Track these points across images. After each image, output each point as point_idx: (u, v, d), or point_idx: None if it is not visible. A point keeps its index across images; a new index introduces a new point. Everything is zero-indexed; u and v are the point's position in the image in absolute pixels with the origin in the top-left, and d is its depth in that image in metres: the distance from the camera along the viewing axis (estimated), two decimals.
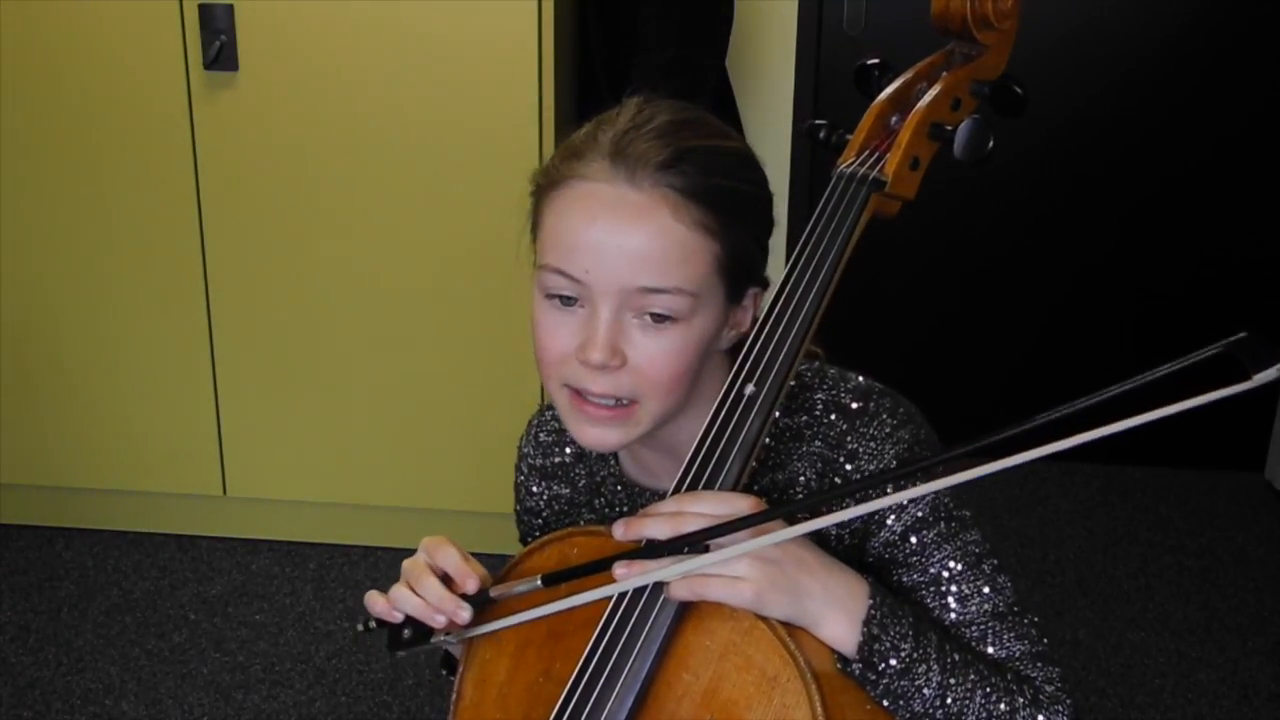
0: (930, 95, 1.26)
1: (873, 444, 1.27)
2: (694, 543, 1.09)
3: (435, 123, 3.05)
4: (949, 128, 1.24)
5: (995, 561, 1.27)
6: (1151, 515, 3.68)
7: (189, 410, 3.35)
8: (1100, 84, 3.68)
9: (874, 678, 1.14)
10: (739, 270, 1.25)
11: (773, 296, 1.22)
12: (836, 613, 1.13)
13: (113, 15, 3.04)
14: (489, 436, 3.25)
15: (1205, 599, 3.27)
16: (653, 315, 1.20)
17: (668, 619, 1.13)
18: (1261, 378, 0.90)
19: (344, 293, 3.21)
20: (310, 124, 3.08)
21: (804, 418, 1.31)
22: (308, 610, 3.21)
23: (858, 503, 1.10)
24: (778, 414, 1.28)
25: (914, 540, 1.25)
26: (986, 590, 1.25)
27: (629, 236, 1.19)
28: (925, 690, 1.15)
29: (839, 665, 1.14)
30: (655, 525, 1.12)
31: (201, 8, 2.99)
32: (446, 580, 1.24)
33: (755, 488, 1.30)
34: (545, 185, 1.26)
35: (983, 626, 1.24)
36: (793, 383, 1.29)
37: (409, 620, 1.24)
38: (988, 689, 1.18)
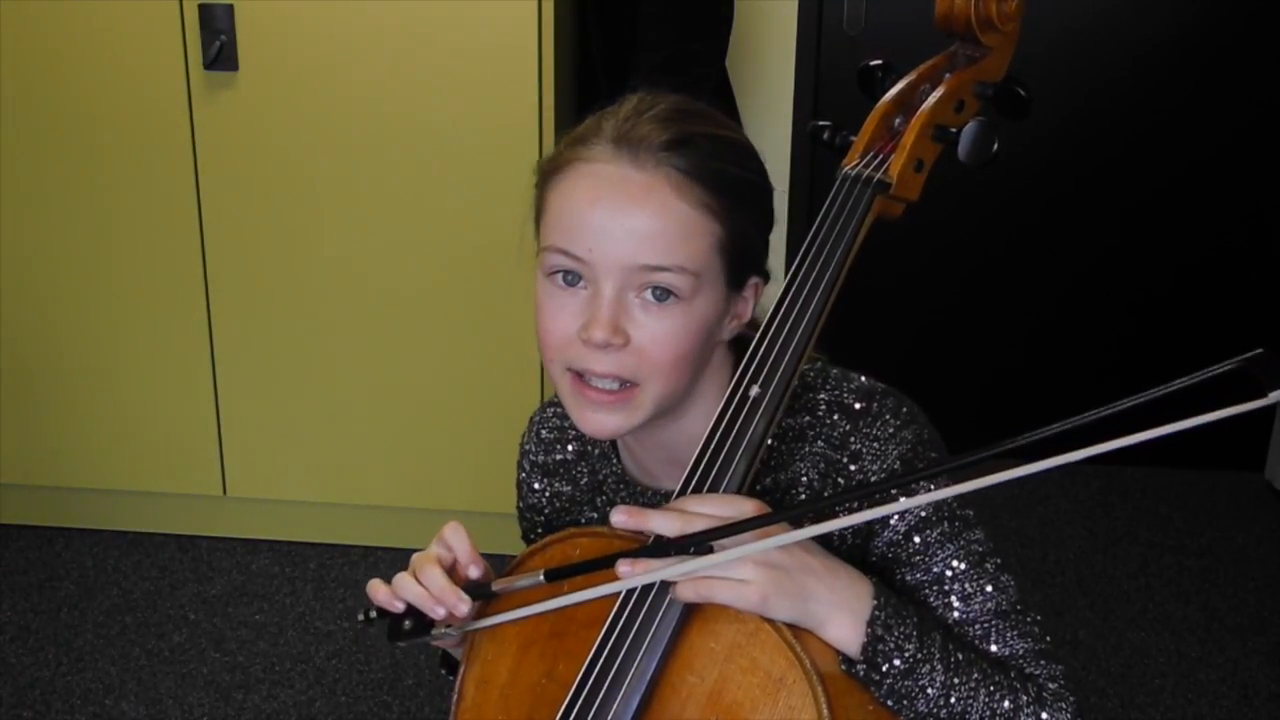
0: (934, 97, 1.26)
1: (876, 444, 1.27)
2: (699, 543, 1.09)
3: (435, 123, 3.05)
4: (953, 130, 1.24)
5: (998, 560, 1.27)
6: (1151, 515, 3.68)
7: (189, 410, 3.34)
8: (1098, 84, 3.68)
9: (878, 678, 1.14)
10: (740, 255, 1.26)
11: (778, 298, 1.22)
12: (841, 614, 1.14)
13: (113, 15, 3.03)
14: (489, 436, 3.25)
15: (1205, 599, 3.27)
16: (655, 294, 1.22)
17: (673, 620, 1.14)
18: (1278, 395, 0.90)
19: (344, 293, 3.20)
20: (310, 124, 3.08)
21: (807, 418, 1.31)
22: (308, 610, 3.20)
23: (863, 509, 1.10)
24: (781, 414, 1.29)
25: (917, 540, 1.26)
26: (989, 589, 1.26)
27: (631, 215, 1.20)
28: (929, 690, 1.16)
29: (843, 666, 1.14)
30: (661, 519, 1.12)
31: (201, 8, 2.99)
32: (452, 575, 1.24)
33: (758, 487, 1.30)
34: (549, 170, 1.28)
35: (986, 625, 1.25)
36: (796, 383, 1.29)
37: (410, 611, 1.24)
38: (991, 688, 1.19)
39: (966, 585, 1.25)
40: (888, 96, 1.30)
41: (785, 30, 3.70)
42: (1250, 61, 3.65)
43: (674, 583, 1.12)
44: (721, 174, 1.23)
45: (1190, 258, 3.80)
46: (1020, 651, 1.25)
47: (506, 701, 1.25)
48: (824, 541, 1.26)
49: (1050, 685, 1.23)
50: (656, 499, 1.37)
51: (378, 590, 1.26)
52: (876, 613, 1.14)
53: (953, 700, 1.17)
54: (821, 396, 1.31)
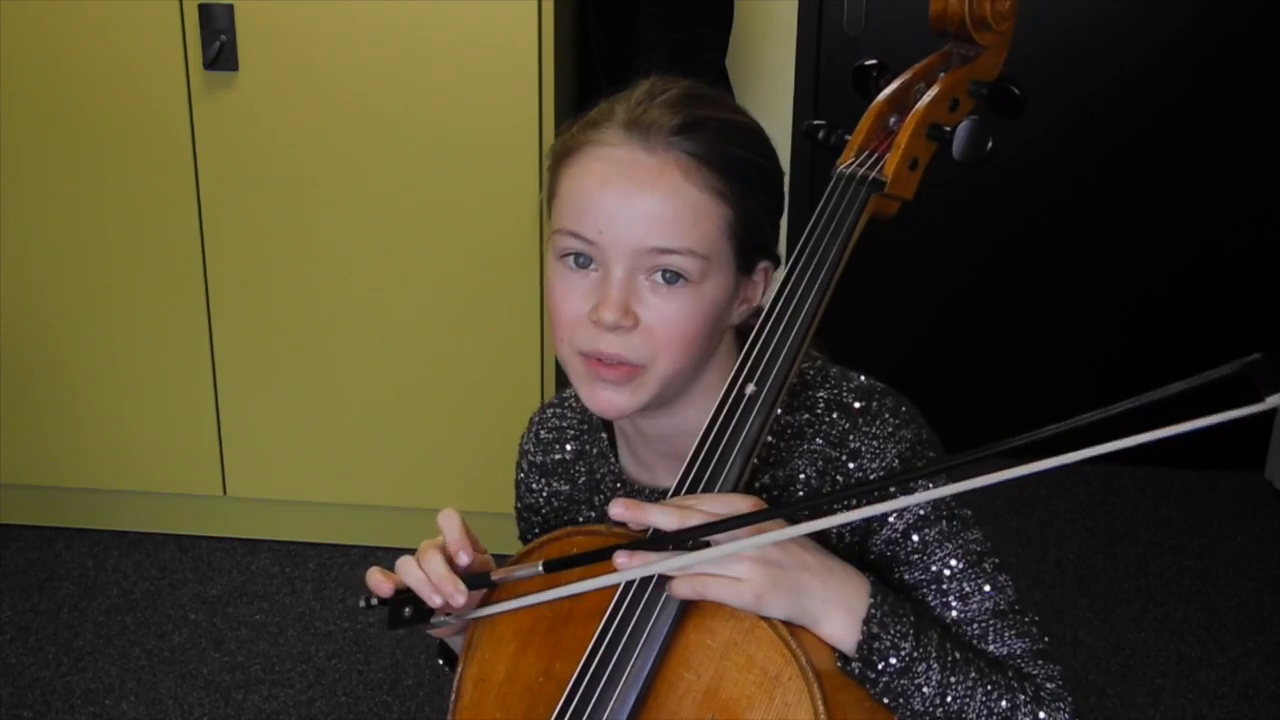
0: (929, 96, 1.26)
1: (875, 443, 1.27)
2: (696, 538, 1.09)
3: (435, 123, 3.05)
4: (948, 129, 1.24)
5: (996, 560, 1.27)
6: (1151, 515, 3.68)
7: (189, 410, 3.35)
8: (1097, 84, 3.68)
9: (874, 676, 1.14)
10: (749, 239, 1.27)
11: (773, 297, 1.22)
12: (837, 611, 1.13)
13: (113, 15, 3.03)
14: (489, 436, 3.25)
15: (1205, 599, 3.27)
16: (665, 277, 1.23)
17: (669, 617, 1.14)
18: (1275, 400, 0.90)
19: (344, 292, 3.21)
20: (310, 124, 3.08)
21: (805, 415, 1.31)
22: (308, 610, 3.21)
23: (860, 506, 1.10)
24: (779, 411, 1.29)
25: (915, 538, 1.26)
26: (987, 588, 1.25)
27: (641, 198, 1.22)
28: (925, 689, 1.16)
29: (839, 663, 1.14)
30: (659, 513, 1.12)
31: (201, 8, 2.99)
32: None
33: (756, 484, 1.31)
34: (562, 153, 1.29)
35: (984, 624, 1.25)
36: (794, 381, 1.29)
37: (409, 599, 1.24)
38: (988, 687, 1.19)
39: (964, 584, 1.25)
40: (882, 96, 1.30)
41: (785, 30, 3.70)
42: (1249, 61, 3.65)
43: (670, 580, 1.12)
44: (731, 157, 1.24)
45: (1189, 258, 3.80)
46: (1018, 651, 1.25)
47: (504, 700, 1.26)
48: (822, 539, 1.26)
49: (1048, 685, 1.23)
50: (654, 497, 1.37)
51: (375, 576, 1.26)
52: (873, 610, 1.14)
53: (949, 699, 1.16)
54: (821, 394, 1.32)
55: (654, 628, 1.14)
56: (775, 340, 1.20)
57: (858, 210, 1.24)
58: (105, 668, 2.97)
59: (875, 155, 1.27)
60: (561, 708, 1.17)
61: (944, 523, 1.26)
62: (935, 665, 1.16)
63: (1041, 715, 1.21)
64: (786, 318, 1.21)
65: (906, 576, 1.26)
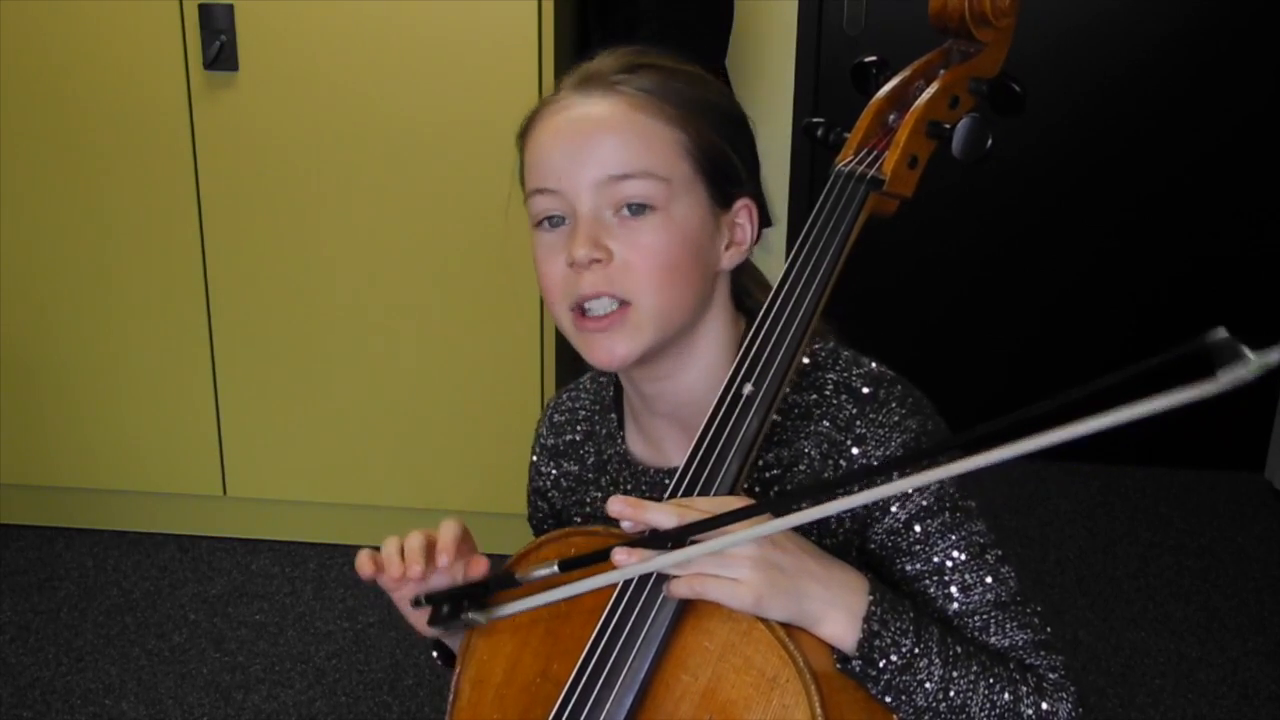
0: (928, 93, 1.26)
1: (881, 430, 1.27)
2: (694, 536, 1.08)
3: (435, 123, 3.05)
4: (947, 126, 1.24)
5: (999, 552, 1.27)
6: (1151, 515, 3.68)
7: (189, 410, 3.35)
8: (1098, 81, 3.68)
9: (875, 674, 1.14)
10: (712, 165, 1.28)
11: (770, 295, 1.22)
12: (836, 611, 1.13)
13: (113, 15, 3.04)
14: (489, 436, 3.25)
15: (1205, 599, 3.26)
16: (631, 210, 1.24)
17: (666, 619, 1.13)
18: (1228, 378, 0.88)
19: (344, 293, 3.21)
20: (310, 124, 3.08)
21: (814, 396, 1.31)
22: (308, 610, 3.21)
23: (851, 494, 1.08)
24: (788, 390, 1.28)
25: (918, 529, 1.25)
26: (989, 580, 1.25)
27: (592, 136, 1.25)
28: (927, 685, 1.15)
29: (839, 664, 1.14)
30: (658, 512, 1.11)
31: (201, 8, 2.99)
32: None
33: (759, 463, 1.30)
34: (523, 130, 1.32)
35: (985, 616, 1.25)
36: (806, 360, 1.31)
37: (446, 598, 1.28)
38: (991, 680, 1.18)
39: (966, 576, 1.25)
40: (881, 93, 1.29)
41: (785, 30, 3.71)
42: (1250, 60, 3.65)
43: (668, 580, 1.11)
44: (676, 91, 1.27)
45: (1193, 254, 3.80)
46: (1020, 643, 1.24)
47: (502, 700, 1.25)
48: (821, 527, 1.26)
49: (1050, 676, 1.23)
50: (659, 478, 1.38)
51: (360, 557, 1.34)
52: (872, 608, 1.13)
53: (952, 694, 1.16)
54: (830, 376, 1.31)
55: (651, 629, 1.13)
56: (774, 339, 1.19)
57: (856, 208, 1.23)
58: (105, 668, 2.97)
59: (874, 153, 1.26)
60: (558, 709, 1.16)
61: (946, 514, 1.25)
62: (937, 660, 1.16)
63: (1044, 706, 1.20)
64: (785, 315, 1.20)
65: (908, 567, 1.26)
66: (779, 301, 1.21)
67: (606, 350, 1.26)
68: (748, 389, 1.18)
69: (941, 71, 1.28)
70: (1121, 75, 3.68)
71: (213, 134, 3.11)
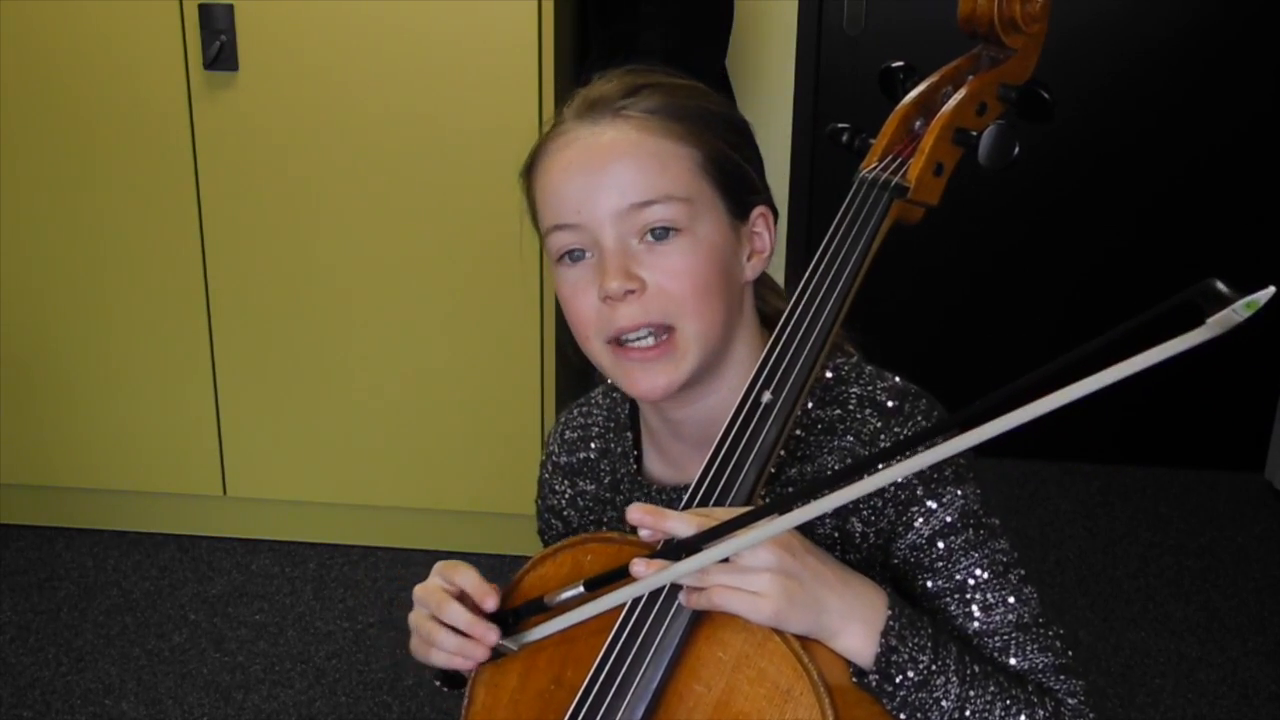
0: (955, 100, 1.24)
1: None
2: (711, 541, 1.07)
3: (435, 123, 3.05)
4: (974, 133, 1.22)
5: (1022, 572, 1.25)
6: (1151, 515, 3.68)
7: (189, 410, 3.34)
8: (1100, 82, 3.68)
9: (891, 689, 1.12)
10: (727, 177, 1.27)
11: (791, 302, 1.20)
12: (854, 624, 1.11)
13: (113, 15, 3.03)
14: (490, 437, 3.25)
15: (1205, 599, 3.27)
16: (655, 235, 1.23)
17: (680, 628, 1.12)
18: (1216, 323, 0.87)
19: (344, 293, 3.20)
20: (310, 124, 3.08)
21: (837, 411, 1.29)
22: (308, 610, 3.20)
23: (854, 482, 1.06)
24: (810, 405, 1.28)
25: (941, 545, 1.24)
26: (1011, 600, 1.23)
27: (605, 166, 1.23)
28: (944, 702, 1.14)
29: (855, 678, 1.12)
30: (677, 520, 1.10)
31: (201, 8, 2.99)
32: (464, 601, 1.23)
33: (783, 478, 1.29)
34: (528, 168, 1.31)
35: (1005, 637, 1.23)
36: (815, 385, 1.29)
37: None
38: (1007, 701, 1.17)
39: (988, 595, 1.23)
40: (908, 98, 1.28)
41: (785, 30, 3.71)
42: (1252, 60, 3.65)
43: (685, 591, 1.10)
44: (680, 107, 1.26)
45: (1197, 256, 3.80)
46: (1040, 665, 1.22)
47: (516, 706, 1.25)
48: (846, 541, 1.26)
49: (1070, 700, 1.21)
50: (675, 496, 1.36)
51: (429, 653, 1.25)
52: (891, 623, 1.12)
53: (967, 713, 1.15)
54: (854, 390, 1.30)
55: (665, 638, 1.12)
56: (794, 347, 1.18)
57: (880, 216, 1.21)
58: (105, 668, 2.97)
59: (899, 160, 1.24)
60: (570, 716, 1.16)
61: (970, 531, 1.24)
62: (954, 678, 1.14)
63: None
64: (806, 324, 1.19)
65: (929, 584, 1.24)
66: (799, 309, 1.19)
67: (650, 382, 1.25)
68: (766, 397, 1.16)
69: (970, 77, 1.27)
70: (1124, 76, 3.69)
71: (213, 134, 3.11)
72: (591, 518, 1.47)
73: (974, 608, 1.23)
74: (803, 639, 1.10)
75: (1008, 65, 1.27)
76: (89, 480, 3.45)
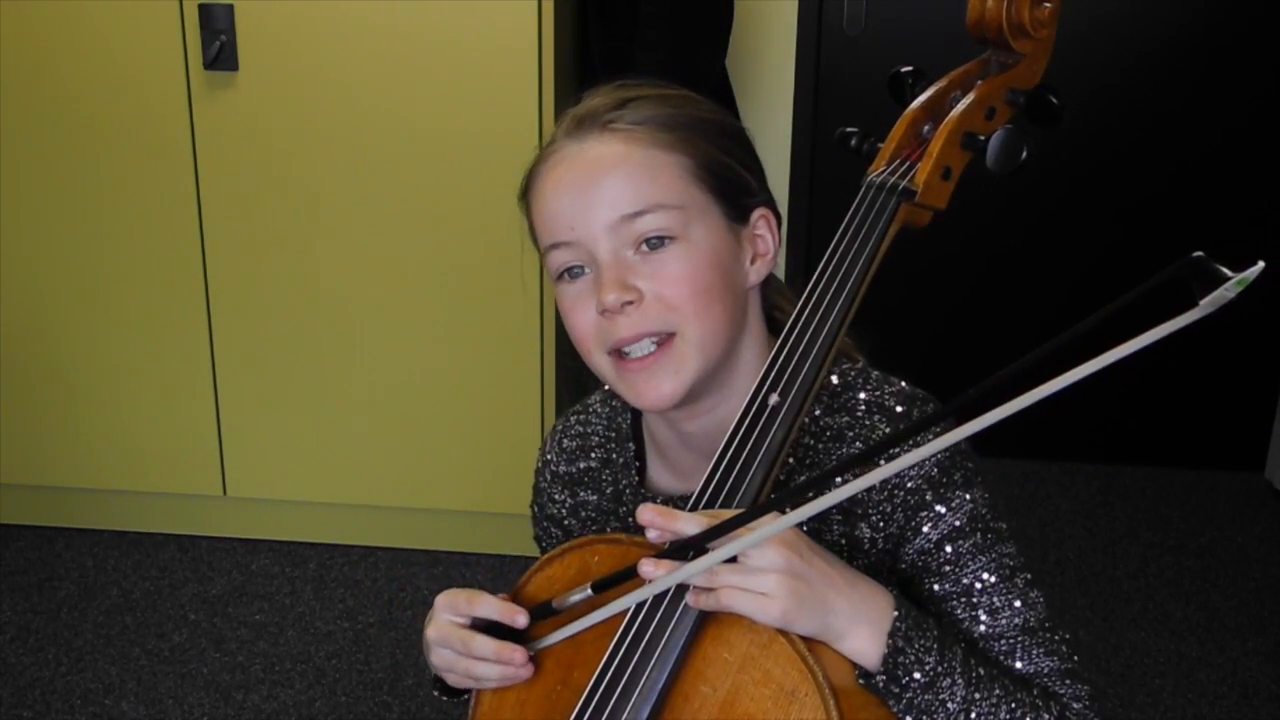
0: (964, 104, 1.24)
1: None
2: (718, 539, 1.07)
3: (435, 123, 3.05)
4: (982, 137, 1.22)
5: (1028, 576, 1.26)
6: (1151, 515, 3.69)
7: (189, 410, 3.34)
8: (1103, 83, 3.69)
9: (898, 691, 1.12)
10: (722, 182, 1.27)
11: (798, 305, 1.20)
12: (861, 626, 1.11)
13: (113, 15, 3.03)
14: (489, 437, 3.25)
15: (1205, 599, 3.27)
16: (648, 242, 1.23)
17: (686, 629, 1.12)
18: (1209, 303, 0.88)
19: (344, 293, 3.20)
20: (310, 124, 3.08)
21: (846, 418, 1.29)
22: (308, 610, 3.20)
23: (858, 477, 1.06)
24: (818, 412, 1.28)
25: (949, 549, 1.24)
26: (1018, 604, 1.24)
27: (594, 180, 1.23)
28: (950, 704, 1.14)
29: (861, 679, 1.12)
30: (688, 521, 1.10)
31: (201, 8, 2.99)
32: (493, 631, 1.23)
33: (791, 485, 1.28)
34: (525, 190, 1.32)
35: (1012, 641, 1.23)
36: (823, 388, 1.29)
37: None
38: (1013, 704, 1.17)
39: (995, 599, 1.23)
40: (917, 103, 1.28)
41: (785, 30, 3.70)
42: (1253, 61, 3.65)
43: (693, 591, 1.10)
44: (669, 116, 1.26)
45: (1198, 249, 3.80)
46: (1046, 669, 1.23)
47: (522, 707, 1.25)
48: (854, 547, 1.26)
49: (1075, 705, 1.22)
50: (674, 507, 1.34)
51: (475, 684, 1.27)
52: (897, 624, 1.12)
53: (973, 715, 1.15)
54: (862, 396, 1.30)
55: (670, 639, 1.12)
56: (801, 350, 1.18)
57: (887, 220, 1.21)
58: (105, 668, 2.97)
59: (907, 164, 1.24)
60: (575, 717, 1.16)
61: (979, 535, 1.24)
62: (960, 680, 1.14)
63: None
64: (813, 327, 1.18)
65: (936, 588, 1.25)
66: (806, 312, 1.19)
67: (654, 391, 1.24)
68: (774, 399, 1.16)
69: (979, 82, 1.27)
70: (1124, 78, 3.69)
71: (213, 134, 3.10)
72: (594, 528, 1.46)
73: (981, 612, 1.24)
74: (808, 640, 1.10)
75: (1016, 70, 1.27)
76: (89, 480, 3.45)
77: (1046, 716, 1.19)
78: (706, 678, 1.12)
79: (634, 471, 1.42)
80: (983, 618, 1.24)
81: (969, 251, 3.85)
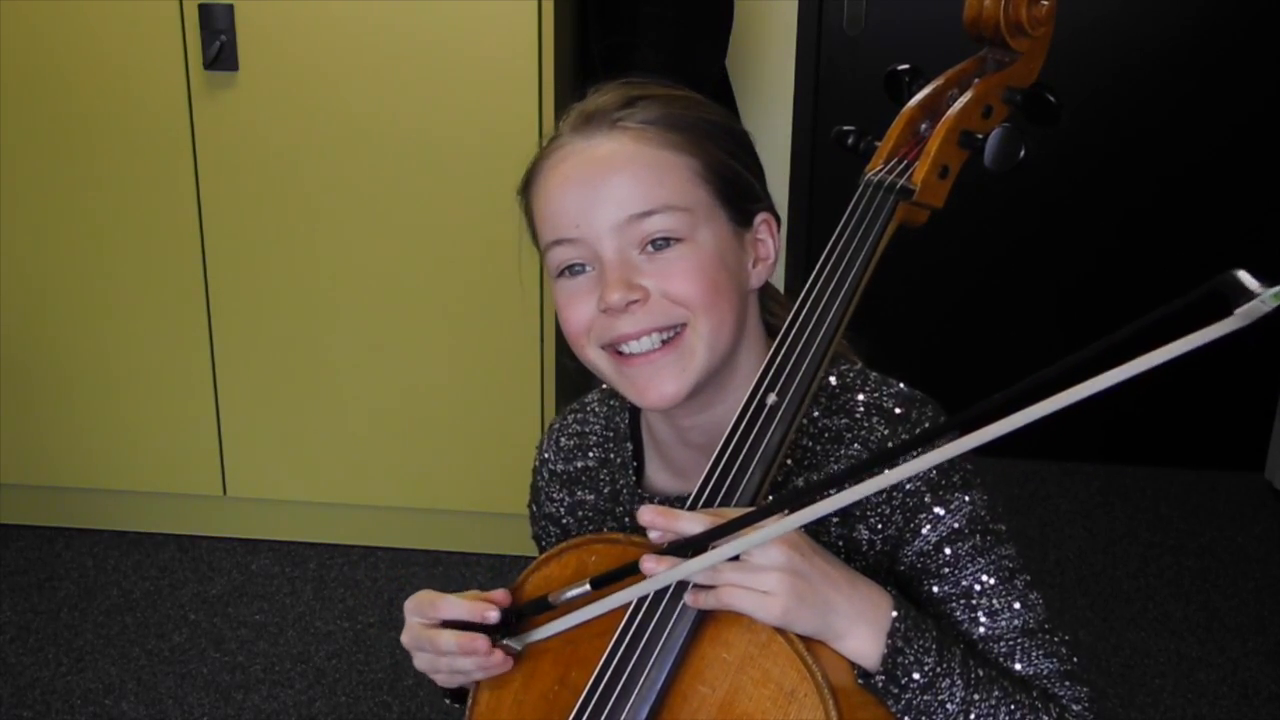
0: (961, 102, 1.24)
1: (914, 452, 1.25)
2: (719, 539, 1.07)
3: (435, 123, 3.05)
4: (979, 136, 1.22)
5: (1028, 578, 1.25)
6: (1151, 515, 3.68)
7: (189, 410, 3.34)
8: (1103, 82, 3.69)
9: (897, 691, 1.12)
10: (727, 185, 1.26)
11: (796, 305, 1.20)
12: (860, 626, 1.11)
13: (113, 15, 3.03)
14: (489, 436, 3.25)
15: (1205, 599, 3.27)
16: (654, 243, 1.22)
17: (685, 629, 1.11)
18: (1244, 313, 0.88)
19: (344, 293, 3.20)
20: (310, 124, 3.08)
21: (844, 420, 1.29)
22: (308, 610, 3.20)
23: (864, 481, 1.05)
24: (816, 414, 1.27)
25: (948, 551, 1.24)
26: (1017, 606, 1.24)
27: (602, 178, 1.22)
28: (949, 705, 1.13)
29: (860, 679, 1.12)
30: (689, 520, 1.09)
31: (201, 8, 2.99)
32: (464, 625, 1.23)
33: (790, 487, 1.29)
34: (526, 184, 1.31)
35: (1011, 642, 1.23)
36: (821, 389, 1.28)
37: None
38: (1012, 706, 1.16)
39: (994, 601, 1.23)
40: (914, 101, 1.27)
41: (785, 30, 3.70)
42: (1253, 61, 3.65)
43: (692, 590, 1.10)
44: (677, 117, 1.25)
45: (1198, 256, 3.80)
46: (1045, 671, 1.23)
47: (520, 708, 1.25)
48: (853, 549, 1.25)
49: (1074, 706, 1.21)
50: (672, 506, 1.34)
51: (463, 679, 1.27)
52: (897, 624, 1.11)
53: (972, 717, 1.14)
54: (860, 398, 1.29)
55: (669, 639, 1.11)
56: (799, 349, 1.17)
57: (885, 218, 1.21)
58: (105, 668, 2.97)
59: (905, 162, 1.24)
60: (574, 717, 1.16)
61: (978, 537, 1.24)
62: (959, 681, 1.14)
63: None
64: (810, 326, 1.18)
65: (935, 589, 1.24)
66: (804, 311, 1.19)
67: (658, 390, 1.23)
68: (771, 399, 1.15)
69: (975, 80, 1.27)
70: (1124, 77, 3.69)
71: (213, 134, 3.10)
72: (591, 528, 1.45)
73: (980, 613, 1.23)
74: (807, 640, 1.09)
75: (1013, 68, 1.27)
76: (89, 480, 3.45)
77: (1046, 718, 1.19)
78: (705, 678, 1.12)
79: (631, 471, 1.41)
80: (982, 619, 1.23)
81: (967, 252, 3.85)
